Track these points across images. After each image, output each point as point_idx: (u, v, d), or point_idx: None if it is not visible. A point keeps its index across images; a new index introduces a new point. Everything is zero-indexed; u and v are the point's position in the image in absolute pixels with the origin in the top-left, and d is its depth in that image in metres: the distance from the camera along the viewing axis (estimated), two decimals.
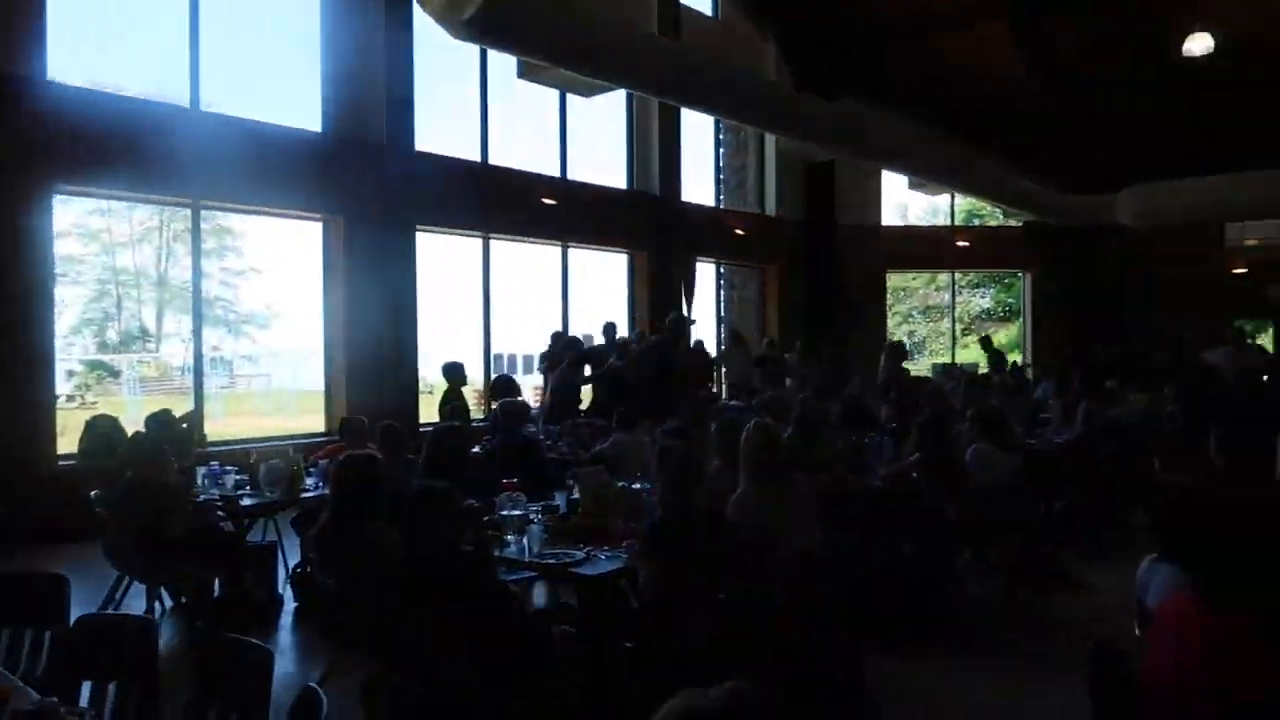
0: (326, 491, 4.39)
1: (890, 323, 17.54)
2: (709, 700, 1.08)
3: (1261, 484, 4.94)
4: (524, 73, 8.58)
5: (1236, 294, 14.51)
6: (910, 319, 22.36)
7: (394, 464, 4.74)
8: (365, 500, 3.20)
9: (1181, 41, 11.82)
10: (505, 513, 4.05)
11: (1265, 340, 14.74)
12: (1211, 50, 11.96)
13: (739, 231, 13.48)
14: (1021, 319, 17.07)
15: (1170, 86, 12.96)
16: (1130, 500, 7.18)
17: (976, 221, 18.40)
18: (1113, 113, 14.32)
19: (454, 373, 8.20)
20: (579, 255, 11.80)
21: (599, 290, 12.34)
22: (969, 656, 4.80)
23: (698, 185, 13.50)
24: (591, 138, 12.26)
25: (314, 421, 9.44)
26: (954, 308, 17.69)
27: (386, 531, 3.24)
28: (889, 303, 17.20)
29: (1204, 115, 13.59)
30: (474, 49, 9.80)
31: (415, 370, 9.57)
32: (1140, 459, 7.19)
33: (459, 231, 10.49)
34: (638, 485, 4.58)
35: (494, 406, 7.18)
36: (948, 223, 16.41)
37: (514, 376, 8.60)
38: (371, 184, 9.01)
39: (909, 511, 5.43)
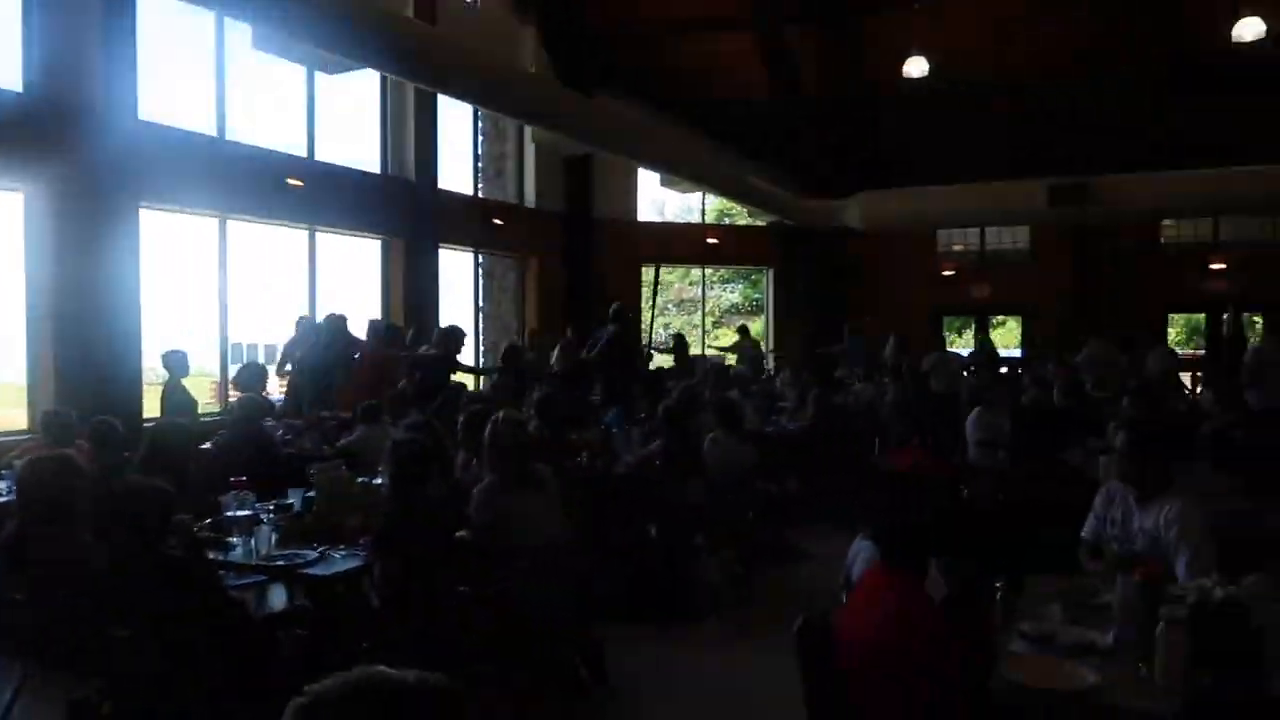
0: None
1: (648, 315, 18.09)
2: (396, 677, 1.07)
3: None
4: (259, 43, 7.96)
5: (945, 291, 16.24)
6: (666, 311, 23.22)
7: (104, 463, 4.33)
8: (56, 506, 2.89)
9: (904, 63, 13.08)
10: (231, 513, 3.81)
11: (968, 334, 16.57)
12: (927, 73, 13.30)
13: (497, 221, 13.40)
14: (765, 313, 18.16)
15: (900, 103, 14.29)
16: (853, 481, 7.83)
17: (727, 220, 19.40)
18: (849, 124, 15.57)
19: (175, 362, 7.56)
20: (328, 240, 11.27)
21: (350, 277, 11.87)
22: (706, 633, 5.06)
23: (456, 173, 13.29)
24: (343, 118, 11.74)
25: (15, 418, 8.42)
26: (704, 302, 18.56)
27: (86, 540, 2.94)
28: (646, 296, 17.74)
29: (925, 130, 15.08)
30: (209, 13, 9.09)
31: (138, 361, 8.75)
32: (861, 443, 7.87)
33: (192, 211, 9.70)
34: (379, 480, 4.45)
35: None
36: (700, 220, 17.20)
37: (267, 367, 8.08)
38: (86, 153, 8.11)
39: (651, 497, 5.65)
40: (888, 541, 2.78)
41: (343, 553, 3.66)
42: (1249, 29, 11.47)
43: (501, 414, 3.98)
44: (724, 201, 17.34)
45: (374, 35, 5.45)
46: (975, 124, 14.77)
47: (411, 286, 11.69)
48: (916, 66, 13.02)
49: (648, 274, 15.78)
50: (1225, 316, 11.96)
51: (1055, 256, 15.55)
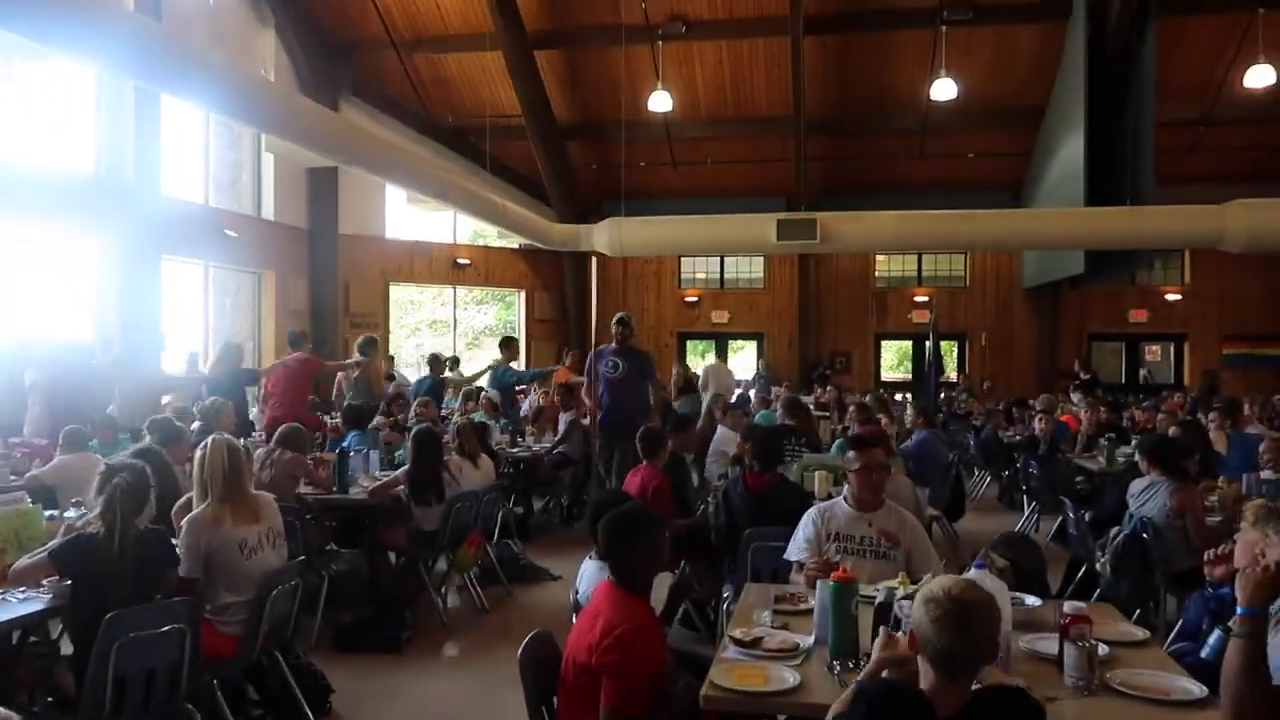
0: None
1: (398, 336, 17.59)
2: None
3: None
4: None
5: (688, 316, 17.08)
6: (418, 332, 22.69)
7: None
8: None
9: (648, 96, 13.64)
10: None
11: (710, 355, 17.43)
12: (671, 108, 13.95)
13: (231, 233, 12.56)
14: (519, 336, 18.20)
15: (647, 133, 14.86)
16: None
17: (482, 241, 19.28)
18: (597, 150, 16.00)
19: None
20: (35, 245, 10.06)
21: (57, 284, 10.66)
22: (438, 656, 4.95)
23: (184, 179, 12.32)
24: (48, 111, 10.56)
25: None
26: (456, 323, 18.33)
27: None
28: (396, 315, 17.24)
29: (670, 161, 15.80)
30: None
31: None
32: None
33: None
34: (73, 513, 4.01)
35: None
36: (451, 240, 16.98)
37: None
38: None
39: (389, 522, 5.48)
40: (612, 560, 2.87)
41: (21, 596, 3.26)
42: (943, 90, 13.01)
43: (211, 439, 3.72)
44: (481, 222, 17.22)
45: (76, 21, 4.94)
46: (718, 158, 15.68)
47: (129, 298, 10.67)
48: (661, 101, 13.67)
49: (400, 291, 15.39)
50: (927, 344, 13.42)
51: (785, 285, 16.76)
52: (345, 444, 6.37)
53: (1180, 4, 11.84)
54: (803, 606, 3.18)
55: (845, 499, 3.79)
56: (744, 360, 17.56)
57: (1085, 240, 11.96)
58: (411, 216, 15.86)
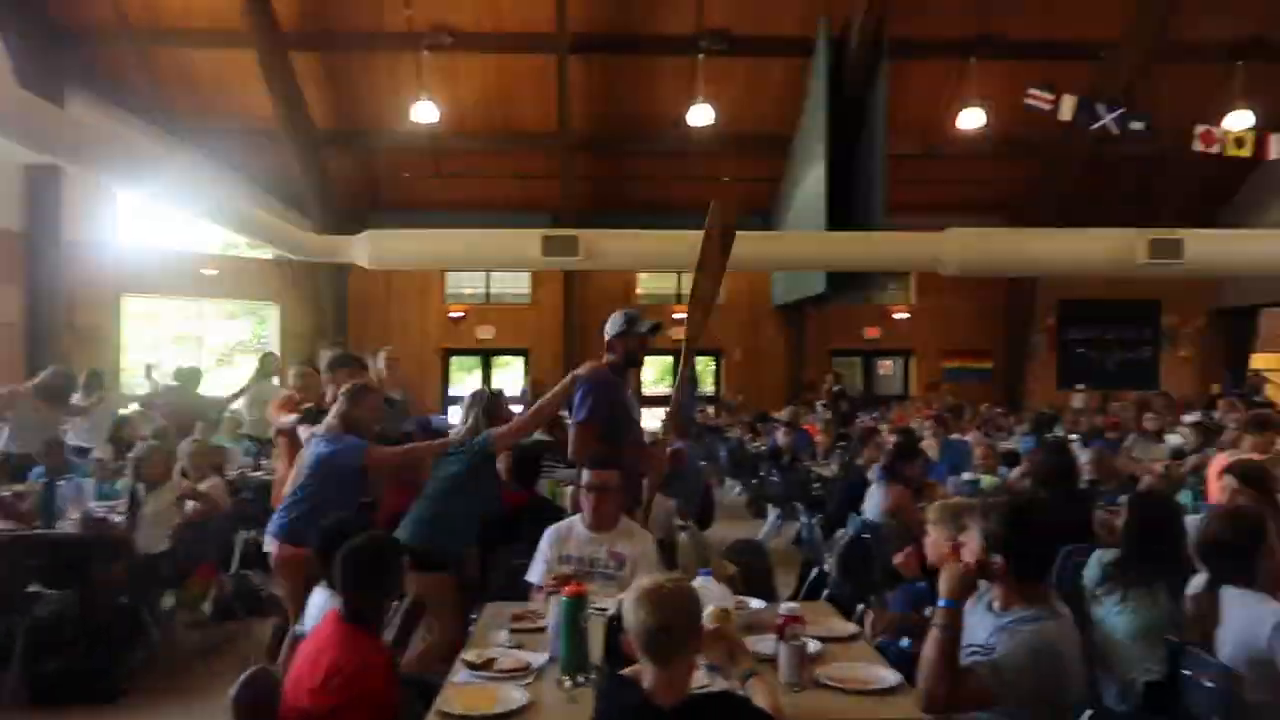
0: None
1: (133, 350, 16.13)
2: None
3: None
4: None
5: (452, 334, 16.83)
6: (161, 347, 20.93)
7: None
8: None
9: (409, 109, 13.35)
10: None
11: (476, 372, 17.26)
12: (437, 119, 13.71)
13: None
14: (275, 351, 17.18)
15: (411, 143, 14.52)
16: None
17: (233, 251, 18.03)
18: (357, 159, 15.46)
19: None
20: None
21: None
22: (171, 696, 4.57)
23: None
24: None
25: None
26: (204, 337, 17.06)
27: None
28: (133, 329, 15.79)
29: (435, 173, 15.52)
30: None
31: None
32: None
33: None
34: None
35: None
36: (197, 249, 15.78)
37: None
38: None
39: (108, 555, 5.00)
40: (349, 594, 2.75)
41: None
42: (701, 116, 13.64)
43: None
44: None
45: None
46: (483, 172, 15.58)
47: None
48: (426, 111, 13.40)
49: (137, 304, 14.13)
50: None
51: (551, 302, 16.89)
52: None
53: (907, 49, 13.03)
54: (540, 624, 3.19)
55: (581, 520, 3.83)
56: (510, 376, 17.50)
57: (826, 262, 12.90)
58: (151, 223, 14.63)
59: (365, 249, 11.78)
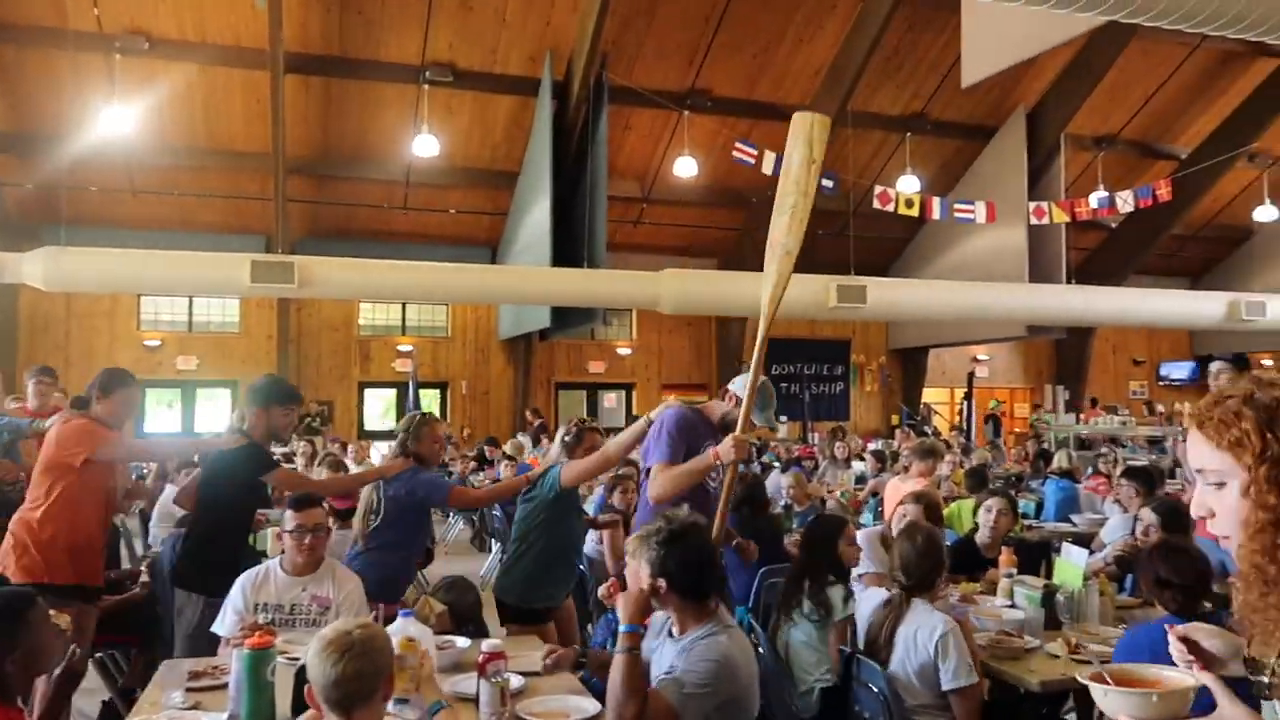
0: None
1: None
2: None
3: None
4: None
5: (151, 364, 15.33)
6: None
7: None
8: None
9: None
10: None
11: (176, 404, 15.82)
12: (131, 130, 12.53)
13: None
14: None
15: (98, 153, 13.12)
16: None
17: None
18: (31, 168, 13.79)
19: None
20: None
21: None
22: None
23: None
24: None
25: None
26: None
27: None
28: None
29: (135, 187, 14.15)
30: None
31: None
32: None
33: None
34: None
35: None
36: None
37: None
38: None
39: None
40: None
41: None
42: (425, 146, 13.48)
43: None
44: None
45: None
46: (187, 191, 14.42)
47: None
48: (117, 120, 12.19)
49: None
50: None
51: (263, 330, 15.90)
52: None
53: (626, 96, 13.64)
54: (223, 679, 2.96)
55: (280, 564, 3.61)
56: (215, 410, 16.17)
57: (550, 297, 13.12)
58: None
59: (39, 267, 10.50)
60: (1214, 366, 5.31)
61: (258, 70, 12.66)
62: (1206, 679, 1.29)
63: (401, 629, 2.81)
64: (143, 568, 5.25)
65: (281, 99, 12.74)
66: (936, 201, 12.98)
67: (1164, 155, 16.96)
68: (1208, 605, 3.66)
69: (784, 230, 3.56)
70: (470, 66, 13.51)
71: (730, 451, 3.39)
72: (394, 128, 14.00)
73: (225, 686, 2.86)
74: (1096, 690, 1.35)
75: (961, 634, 3.20)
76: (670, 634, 2.77)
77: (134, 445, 5.53)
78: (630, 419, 18.12)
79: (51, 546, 4.05)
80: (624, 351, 18.30)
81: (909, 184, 14.43)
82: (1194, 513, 1.40)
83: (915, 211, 12.97)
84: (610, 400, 19.01)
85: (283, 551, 3.63)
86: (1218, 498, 1.34)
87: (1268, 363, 18.97)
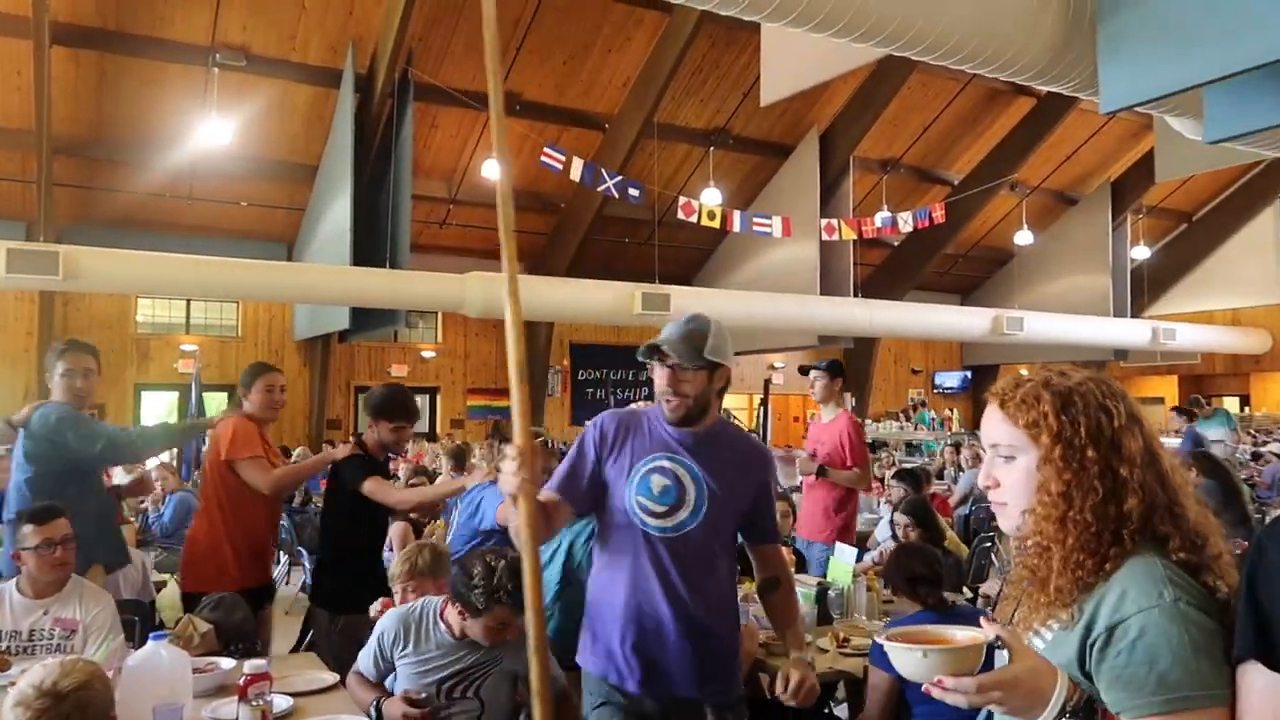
0: None
1: None
2: None
3: None
4: None
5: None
6: None
7: None
8: None
9: None
10: None
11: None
12: None
13: None
14: None
15: None
16: None
17: None
18: None
19: None
20: None
21: None
22: None
23: None
24: None
25: None
26: None
27: None
28: None
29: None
30: None
31: None
32: None
33: None
34: None
35: None
36: None
37: None
38: None
39: None
40: None
41: None
42: (214, 133, 12.66)
43: None
44: None
45: None
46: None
47: None
48: None
49: None
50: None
51: (21, 326, 14.45)
52: None
53: (432, 94, 13.35)
54: None
55: (16, 585, 3.27)
56: None
57: (350, 297, 12.65)
58: None
59: None
60: (813, 374, 5.73)
61: (19, 39, 11.50)
62: (995, 629, 1.34)
63: (152, 654, 2.61)
64: None
65: (47, 72, 11.61)
66: (737, 215, 13.49)
67: (939, 180, 18.37)
68: (962, 601, 3.99)
69: None
70: (265, 52, 12.80)
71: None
72: (179, 112, 13.05)
73: None
74: (895, 650, 1.36)
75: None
76: None
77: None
78: (432, 424, 17.75)
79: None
80: (428, 354, 17.89)
81: (712, 196, 14.92)
82: (980, 481, 1.57)
83: (717, 223, 13.43)
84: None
85: (19, 571, 3.30)
86: (1006, 470, 1.49)
87: (1024, 373, 20.93)
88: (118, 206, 14.40)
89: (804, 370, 5.84)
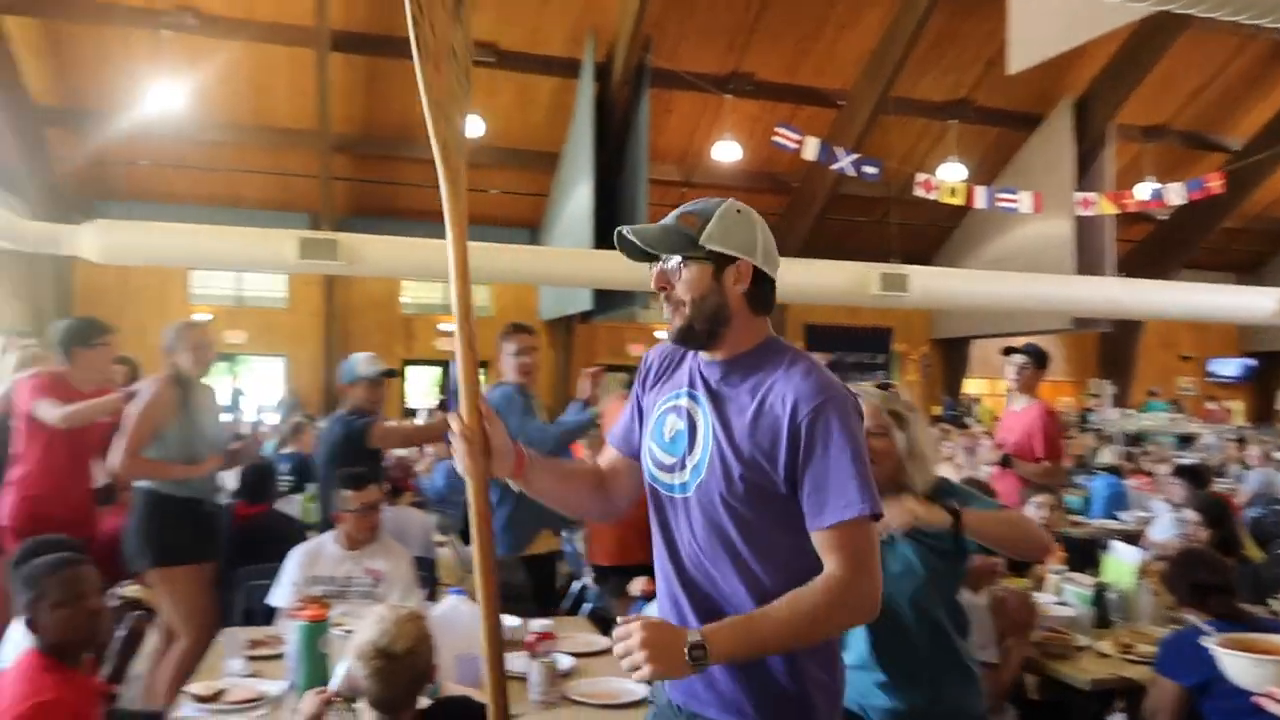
0: None
1: None
2: None
3: None
4: None
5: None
6: None
7: None
8: None
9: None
10: None
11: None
12: (181, 106, 12.69)
13: None
14: None
15: (149, 129, 13.31)
16: None
17: None
18: (84, 142, 14.01)
19: None
20: None
21: None
22: None
23: None
24: None
25: None
26: None
27: None
28: None
29: (185, 162, 14.36)
30: None
31: None
32: None
33: None
34: None
35: None
36: None
37: None
38: None
39: None
40: (30, 620, 2.47)
41: None
42: (469, 127, 13.48)
43: None
44: None
45: None
46: (234, 166, 14.62)
47: None
48: (165, 96, 12.32)
49: None
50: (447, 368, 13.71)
51: (310, 306, 16.08)
52: None
53: (668, 79, 13.58)
54: (281, 649, 3.04)
55: (333, 538, 3.69)
56: (262, 381, 16.39)
57: (592, 279, 13.16)
58: None
59: (93, 240, 10.72)
60: (1017, 358, 5.16)
61: (303, 48, 12.78)
62: None
63: (455, 607, 2.86)
64: None
65: (327, 77, 12.86)
66: (980, 190, 12.81)
67: (1216, 147, 16.58)
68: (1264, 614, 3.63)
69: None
70: (511, 47, 13.50)
71: None
72: None
73: (282, 656, 2.95)
74: (1228, 657, 1.28)
75: None
76: None
77: None
78: None
79: None
80: (661, 335, 18.25)
81: (953, 171, 14.25)
82: None
83: (959, 200, 12.81)
84: None
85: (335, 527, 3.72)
86: None
87: None
88: (386, 197, 15.73)
89: (1007, 351, 5.32)
